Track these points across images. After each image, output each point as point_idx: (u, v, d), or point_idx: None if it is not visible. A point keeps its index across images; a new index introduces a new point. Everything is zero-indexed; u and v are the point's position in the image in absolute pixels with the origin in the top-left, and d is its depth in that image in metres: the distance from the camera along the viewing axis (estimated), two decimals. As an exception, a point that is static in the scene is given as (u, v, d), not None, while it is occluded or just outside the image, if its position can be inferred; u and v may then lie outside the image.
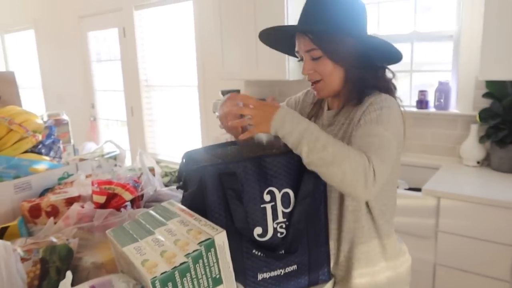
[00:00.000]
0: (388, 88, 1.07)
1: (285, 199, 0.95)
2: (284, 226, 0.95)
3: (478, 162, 2.25)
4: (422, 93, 2.46)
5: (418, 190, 2.02)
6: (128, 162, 2.15)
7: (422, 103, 2.46)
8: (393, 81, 1.10)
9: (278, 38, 1.15)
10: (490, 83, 2.15)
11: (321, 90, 1.08)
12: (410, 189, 2.23)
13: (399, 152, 1.04)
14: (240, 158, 0.98)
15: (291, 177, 0.95)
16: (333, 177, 0.87)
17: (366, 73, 1.06)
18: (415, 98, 2.51)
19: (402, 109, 1.05)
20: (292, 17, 2.62)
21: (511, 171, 2.10)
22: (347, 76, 1.06)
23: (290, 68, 2.68)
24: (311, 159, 0.88)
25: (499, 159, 2.13)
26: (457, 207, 1.89)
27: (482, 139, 2.20)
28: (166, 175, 2.42)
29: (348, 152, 0.88)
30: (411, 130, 2.52)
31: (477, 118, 2.20)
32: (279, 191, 0.94)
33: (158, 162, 2.47)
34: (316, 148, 0.87)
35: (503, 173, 2.11)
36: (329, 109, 1.17)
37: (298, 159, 0.93)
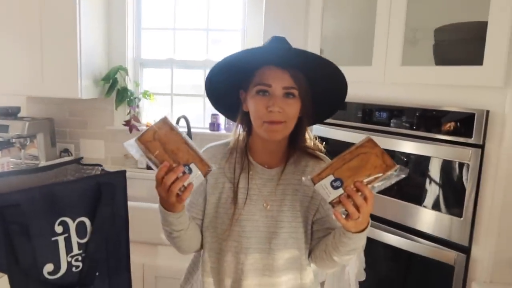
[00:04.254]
0: (320, 150, 1.12)
1: (81, 228, 0.88)
2: (80, 258, 0.87)
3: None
4: (214, 116, 2.69)
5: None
6: None
7: (214, 125, 2.67)
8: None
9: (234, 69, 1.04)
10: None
11: (280, 132, 1.01)
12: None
13: None
14: (26, 187, 0.86)
15: (86, 204, 0.89)
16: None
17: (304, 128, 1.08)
18: (208, 121, 2.71)
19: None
20: (84, 26, 2.47)
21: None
22: (300, 124, 1.05)
23: (83, 85, 2.50)
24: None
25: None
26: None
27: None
28: None
29: None
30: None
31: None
32: (73, 221, 0.87)
33: None
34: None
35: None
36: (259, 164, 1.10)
37: (94, 184, 0.89)
